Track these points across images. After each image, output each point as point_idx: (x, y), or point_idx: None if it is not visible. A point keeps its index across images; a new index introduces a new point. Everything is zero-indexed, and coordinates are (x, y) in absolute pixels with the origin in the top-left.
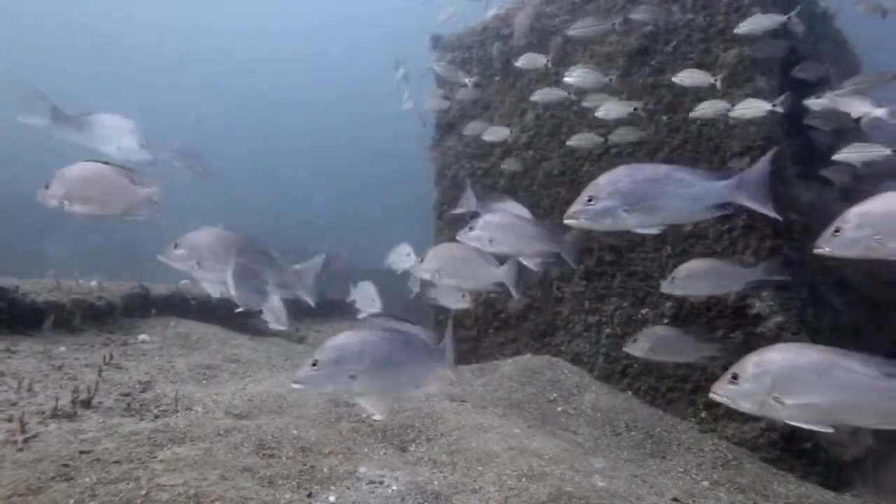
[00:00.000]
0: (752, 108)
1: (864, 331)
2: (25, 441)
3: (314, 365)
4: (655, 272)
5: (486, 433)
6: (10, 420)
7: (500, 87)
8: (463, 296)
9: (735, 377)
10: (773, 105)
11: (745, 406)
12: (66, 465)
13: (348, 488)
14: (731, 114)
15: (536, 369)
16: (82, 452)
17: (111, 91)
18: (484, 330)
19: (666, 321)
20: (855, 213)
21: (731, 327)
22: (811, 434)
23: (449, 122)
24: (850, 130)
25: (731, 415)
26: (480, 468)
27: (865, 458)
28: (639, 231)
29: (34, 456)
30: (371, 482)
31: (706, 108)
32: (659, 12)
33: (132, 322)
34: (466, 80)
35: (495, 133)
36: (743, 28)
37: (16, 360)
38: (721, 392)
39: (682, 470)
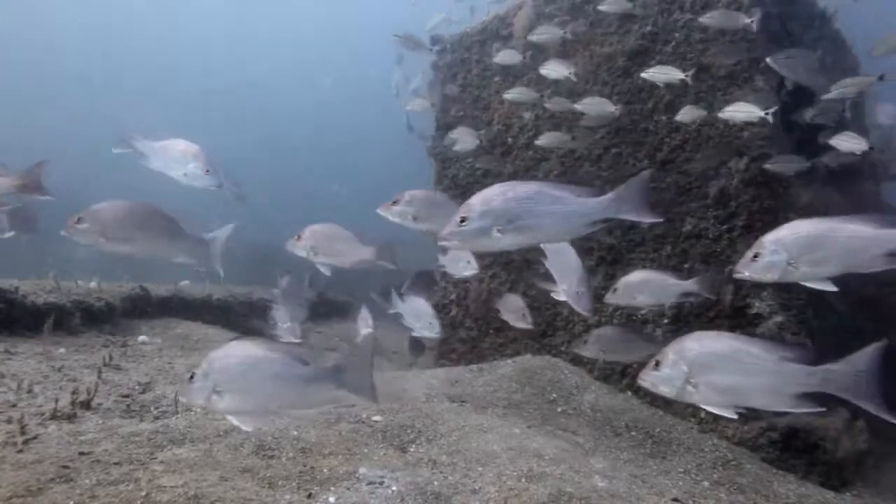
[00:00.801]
0: (744, 111)
1: (865, 332)
2: (25, 442)
3: (191, 378)
4: None
5: (486, 434)
6: (9, 421)
7: (499, 87)
8: (468, 262)
9: (658, 364)
10: (766, 113)
11: (665, 390)
12: (66, 467)
13: (348, 489)
14: (722, 115)
15: (536, 370)
16: (82, 454)
17: (111, 99)
18: (484, 330)
19: (666, 321)
20: (770, 239)
21: (732, 327)
22: (811, 433)
23: (448, 123)
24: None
25: None
26: (480, 469)
27: (861, 454)
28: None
29: (34, 457)
30: (371, 483)
31: (685, 115)
32: (626, 3)
33: (132, 323)
34: (431, 49)
35: (464, 142)
36: (705, 20)
37: (15, 361)
38: (646, 378)
39: (682, 470)
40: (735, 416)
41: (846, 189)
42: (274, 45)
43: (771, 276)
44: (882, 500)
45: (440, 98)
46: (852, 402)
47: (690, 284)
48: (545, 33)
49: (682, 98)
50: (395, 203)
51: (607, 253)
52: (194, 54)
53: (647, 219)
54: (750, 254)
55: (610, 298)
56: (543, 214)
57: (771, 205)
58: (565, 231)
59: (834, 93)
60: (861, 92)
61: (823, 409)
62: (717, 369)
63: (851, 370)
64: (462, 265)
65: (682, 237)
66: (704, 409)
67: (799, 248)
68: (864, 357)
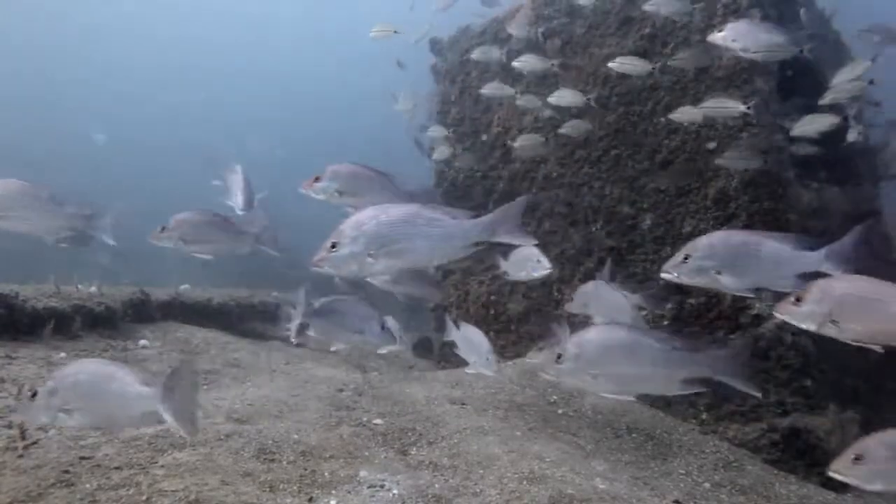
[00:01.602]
0: (727, 107)
1: None
2: (26, 447)
3: (33, 396)
4: (655, 274)
5: (487, 436)
6: (10, 426)
7: None
8: (538, 261)
9: (559, 357)
10: (747, 107)
11: (569, 382)
12: (67, 472)
13: (349, 492)
14: (701, 109)
15: (537, 371)
16: (83, 458)
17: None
18: (484, 332)
19: (666, 322)
20: (703, 244)
21: (732, 328)
22: (811, 433)
23: (448, 126)
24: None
25: (733, 416)
26: (481, 471)
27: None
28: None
29: (34, 462)
30: (372, 486)
31: (679, 115)
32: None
33: (132, 327)
34: (393, 30)
35: (441, 151)
36: (649, 7)
37: (16, 366)
38: (550, 372)
39: (683, 472)
40: (634, 399)
41: (846, 189)
42: (273, 49)
43: (698, 280)
44: (883, 501)
45: (439, 100)
46: (728, 382)
47: (638, 298)
48: (521, 29)
49: (681, 100)
50: (317, 180)
51: (607, 254)
52: (195, 56)
53: (521, 241)
54: (680, 255)
55: (567, 307)
56: (418, 237)
57: (771, 206)
58: (441, 254)
59: (827, 98)
60: (856, 94)
61: (704, 391)
62: (617, 360)
63: (730, 355)
64: (531, 265)
65: (682, 238)
66: (705, 411)
67: (729, 257)
68: (739, 346)
